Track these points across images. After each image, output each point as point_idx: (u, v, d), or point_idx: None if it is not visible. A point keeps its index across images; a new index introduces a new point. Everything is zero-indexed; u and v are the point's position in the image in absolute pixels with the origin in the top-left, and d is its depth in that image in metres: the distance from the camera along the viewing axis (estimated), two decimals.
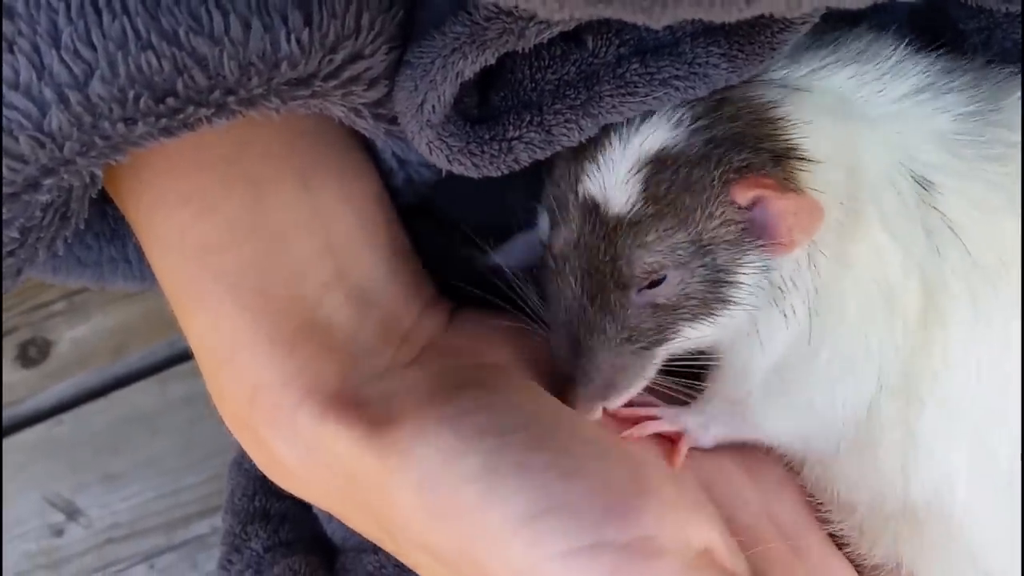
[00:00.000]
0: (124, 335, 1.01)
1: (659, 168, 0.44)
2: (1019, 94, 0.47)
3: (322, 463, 0.46)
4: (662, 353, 0.48)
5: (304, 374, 0.46)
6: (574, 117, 0.45)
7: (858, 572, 0.50)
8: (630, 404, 0.49)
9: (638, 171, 0.44)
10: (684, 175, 0.44)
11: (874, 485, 0.48)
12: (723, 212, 0.45)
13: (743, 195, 0.44)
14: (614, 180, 0.45)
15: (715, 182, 0.44)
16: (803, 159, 0.45)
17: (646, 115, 0.45)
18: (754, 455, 0.50)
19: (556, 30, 0.43)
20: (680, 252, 0.45)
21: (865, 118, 0.46)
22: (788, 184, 0.44)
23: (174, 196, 0.47)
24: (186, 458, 0.96)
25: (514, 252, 0.55)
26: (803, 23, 0.43)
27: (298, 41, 0.42)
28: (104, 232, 0.52)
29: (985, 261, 0.45)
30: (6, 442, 0.99)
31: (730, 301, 0.46)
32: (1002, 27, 0.49)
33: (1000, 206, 0.46)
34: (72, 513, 0.97)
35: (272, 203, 0.47)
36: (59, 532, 0.97)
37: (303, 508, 0.61)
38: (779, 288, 0.46)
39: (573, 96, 0.45)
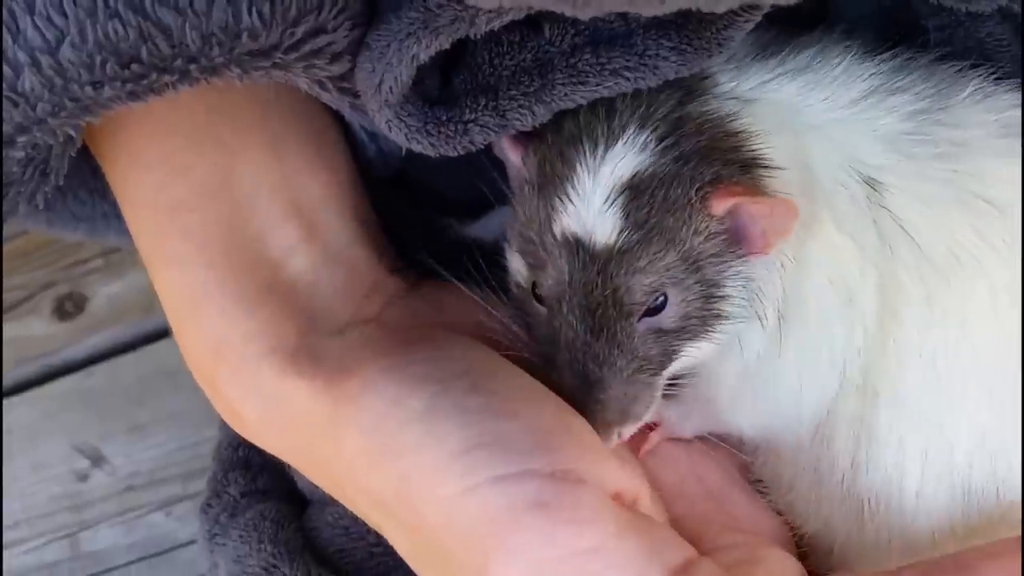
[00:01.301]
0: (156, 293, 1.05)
1: (636, 193, 0.45)
2: (968, 91, 0.48)
3: (281, 416, 0.48)
4: (666, 375, 0.48)
5: (266, 330, 0.49)
6: (527, 103, 0.46)
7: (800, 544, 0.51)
8: None
9: (615, 199, 0.45)
10: (662, 196, 0.45)
11: (822, 471, 0.49)
12: (706, 226, 0.45)
13: (719, 206, 0.45)
14: (592, 212, 0.45)
15: (693, 198, 0.45)
16: (767, 167, 0.46)
17: (610, 143, 0.45)
18: None
19: (507, 18, 0.44)
20: (674, 271, 0.45)
21: (813, 125, 0.47)
22: (758, 190, 0.45)
23: (148, 158, 0.50)
24: (206, 413, 0.98)
25: (490, 225, 0.57)
26: (746, 21, 0.44)
27: (259, 14, 0.44)
28: (97, 189, 0.56)
29: (937, 256, 0.46)
30: (39, 391, 1.04)
31: (723, 315, 0.47)
32: (964, 26, 0.50)
33: (949, 202, 0.46)
34: (97, 460, 1.01)
35: (242, 167, 0.50)
36: (84, 477, 1.01)
37: (281, 460, 0.64)
38: (755, 295, 0.47)
39: (527, 83, 0.46)
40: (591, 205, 0.45)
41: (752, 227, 0.45)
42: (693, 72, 0.46)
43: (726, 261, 0.46)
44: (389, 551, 0.49)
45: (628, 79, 0.45)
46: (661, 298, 0.46)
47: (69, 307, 1.07)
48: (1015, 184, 0.47)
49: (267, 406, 0.48)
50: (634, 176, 0.45)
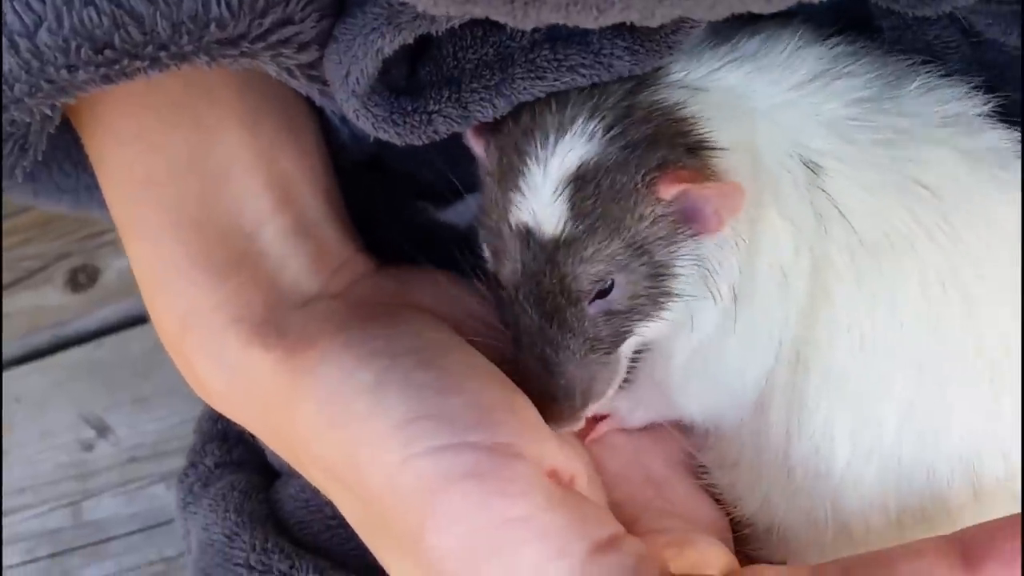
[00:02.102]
0: None
1: (582, 183, 0.46)
2: (915, 84, 0.49)
3: (244, 386, 0.50)
4: (625, 353, 0.50)
5: (234, 301, 0.50)
6: (488, 96, 0.48)
7: (733, 530, 0.52)
8: None
9: (562, 191, 0.46)
10: (607, 185, 0.46)
11: (760, 444, 0.50)
12: (652, 211, 0.47)
13: (667, 191, 0.46)
14: (541, 204, 0.47)
15: (639, 185, 0.46)
16: (714, 149, 0.47)
17: (560, 134, 0.47)
18: None
19: (467, 17, 0.45)
20: (620, 257, 0.47)
21: (760, 110, 0.48)
22: (705, 173, 0.46)
23: (125, 133, 0.51)
24: None
25: (463, 211, 0.58)
26: (692, 27, 0.46)
27: (228, 4, 0.46)
28: (81, 161, 0.57)
29: (870, 239, 0.47)
30: (50, 360, 1.06)
31: (673, 293, 0.48)
32: (912, 29, 0.51)
33: (886, 187, 0.48)
34: (103, 430, 1.03)
35: (217, 143, 0.52)
36: (89, 447, 1.03)
37: None
38: (708, 272, 0.48)
39: (489, 76, 0.47)
40: (540, 197, 0.47)
41: (703, 207, 0.46)
42: (646, 70, 0.47)
43: (676, 242, 0.47)
44: (345, 523, 0.51)
45: (584, 75, 0.46)
46: (609, 283, 0.47)
47: (82, 279, 1.08)
48: (952, 170, 0.48)
49: (231, 376, 0.50)
50: (580, 166, 0.46)
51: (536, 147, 0.47)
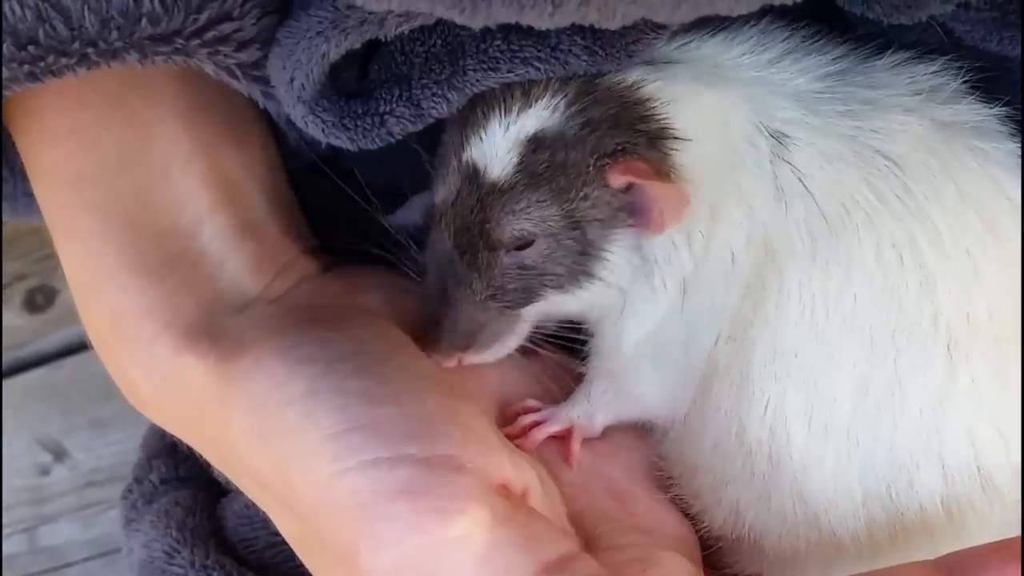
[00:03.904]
0: None
1: (538, 147, 0.46)
2: (886, 59, 0.49)
3: (175, 393, 0.48)
4: (529, 317, 0.49)
5: (165, 306, 0.48)
6: (440, 91, 0.46)
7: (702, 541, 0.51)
8: (513, 415, 0.51)
9: (517, 147, 0.46)
10: (561, 157, 0.46)
11: (714, 434, 0.49)
12: (597, 194, 0.46)
13: (617, 179, 0.46)
14: (494, 151, 0.47)
15: (590, 166, 0.46)
16: (677, 138, 0.46)
17: (527, 101, 0.46)
18: None
19: (416, 22, 0.44)
20: (552, 224, 0.47)
21: (733, 81, 0.48)
22: (662, 167, 0.46)
23: (57, 130, 0.49)
24: None
25: (411, 212, 0.57)
26: (654, 37, 0.45)
27: None
28: (16, 166, 0.55)
29: (829, 211, 0.46)
30: (6, 383, 1.04)
31: (595, 275, 0.48)
32: (887, 35, 0.50)
33: (848, 157, 0.47)
34: (59, 454, 1.01)
35: (154, 140, 0.49)
36: (45, 472, 1.01)
37: None
38: (652, 263, 0.47)
39: (439, 70, 0.46)
40: (495, 145, 0.47)
41: (649, 205, 0.46)
42: (601, 72, 0.46)
43: (614, 228, 0.47)
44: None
45: (539, 68, 0.45)
46: (530, 240, 0.47)
47: (39, 300, 1.07)
48: (920, 140, 0.47)
49: (162, 382, 0.48)
50: (540, 131, 0.46)
51: (503, 105, 0.47)
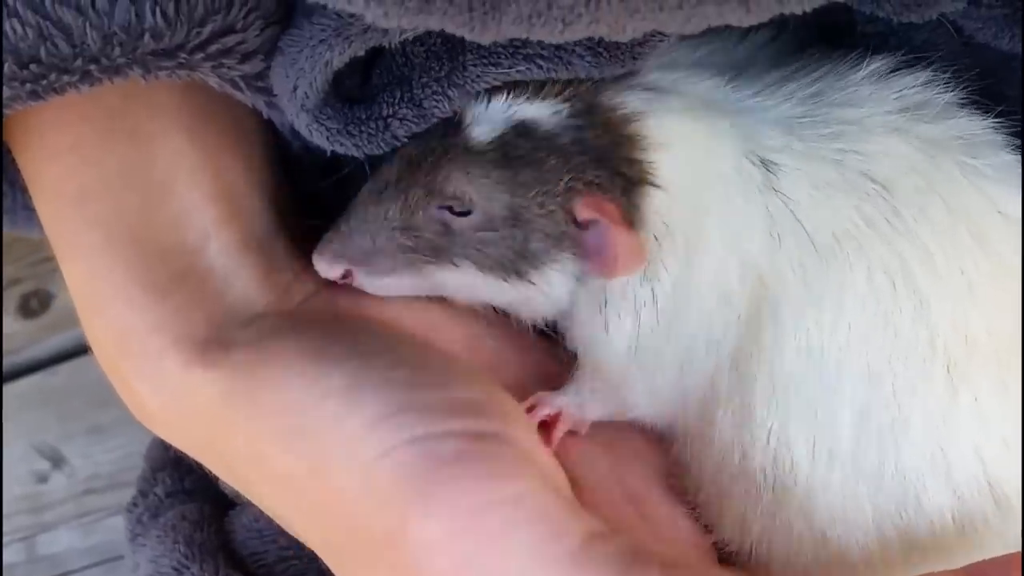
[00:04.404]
0: None
1: (527, 135, 0.46)
2: (864, 72, 0.48)
3: (186, 408, 0.47)
4: (431, 278, 0.49)
5: (174, 321, 0.47)
6: (440, 89, 0.46)
7: (720, 555, 0.50)
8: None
9: (509, 123, 0.46)
10: (540, 156, 0.46)
11: (717, 460, 0.49)
12: (554, 210, 0.46)
13: (585, 211, 0.46)
14: (487, 116, 0.47)
15: (562, 182, 0.46)
16: (654, 186, 0.46)
17: (536, 95, 0.47)
18: (615, 426, 0.51)
19: (421, 29, 0.43)
20: (497, 209, 0.47)
21: (725, 112, 0.48)
22: (630, 213, 0.46)
23: (58, 145, 0.48)
24: None
25: None
26: (660, 40, 0.44)
27: (163, 13, 0.43)
28: (18, 180, 0.54)
29: (820, 241, 0.46)
30: (2, 389, 1.03)
31: (523, 279, 0.48)
32: (896, 35, 0.50)
33: (835, 182, 0.46)
34: (57, 461, 1.00)
35: (158, 154, 0.48)
36: (43, 479, 1.00)
37: None
38: (605, 298, 0.48)
39: (438, 68, 0.46)
40: (491, 112, 0.47)
41: (608, 247, 0.46)
42: (605, 76, 0.46)
43: (559, 250, 0.47)
44: (299, 555, 0.50)
45: (541, 67, 0.45)
46: (467, 210, 0.47)
47: (34, 304, 1.05)
48: (907, 161, 0.47)
49: (172, 398, 0.47)
50: (534, 122, 0.46)
51: (513, 89, 0.47)
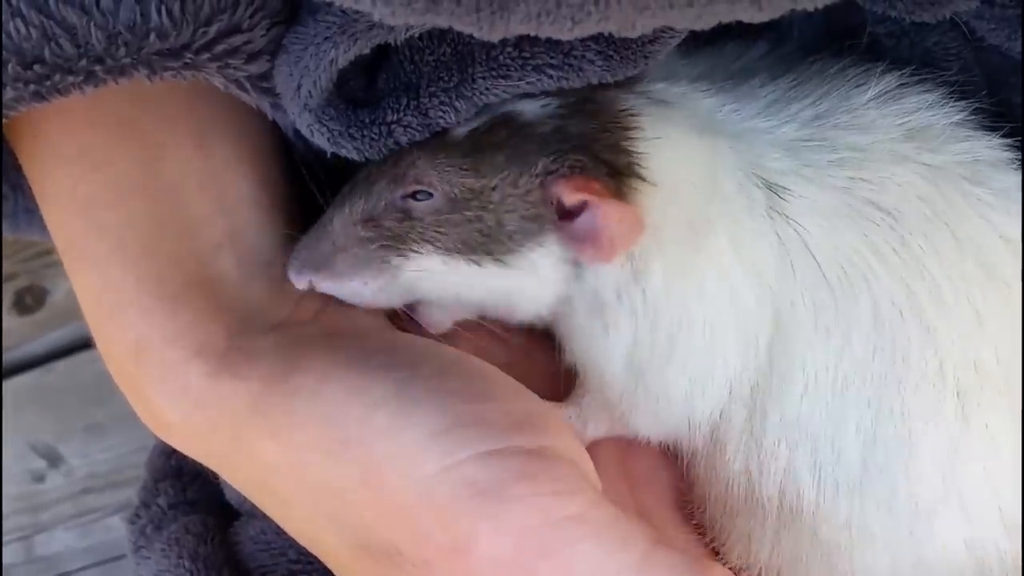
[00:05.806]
0: None
1: (505, 125, 0.46)
2: (870, 94, 0.48)
3: (209, 419, 0.46)
4: (398, 277, 0.47)
5: (192, 331, 0.46)
6: (448, 99, 0.45)
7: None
8: None
9: (492, 120, 0.46)
10: (516, 141, 0.45)
11: (723, 482, 0.49)
12: (529, 190, 0.45)
13: (571, 196, 0.45)
14: (473, 117, 0.46)
15: (539, 164, 0.45)
16: (640, 179, 0.45)
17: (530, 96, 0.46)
18: (632, 444, 0.51)
19: (427, 27, 0.43)
20: (455, 188, 0.46)
21: (725, 133, 0.47)
22: (619, 192, 0.45)
23: (67, 152, 0.47)
24: None
25: None
26: (671, 37, 0.44)
27: (169, 12, 0.43)
28: (20, 183, 0.53)
29: (831, 273, 0.46)
30: None
31: (501, 262, 0.46)
32: (909, 35, 0.49)
33: (843, 213, 0.46)
34: (54, 460, 0.99)
35: (166, 162, 0.48)
36: (40, 478, 0.99)
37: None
38: (602, 302, 0.47)
39: (447, 78, 0.45)
40: (479, 113, 0.46)
41: (599, 228, 0.44)
42: (618, 78, 0.45)
43: (540, 232, 0.46)
44: (309, 568, 0.49)
45: (552, 76, 0.44)
46: (428, 193, 0.46)
47: (29, 300, 1.04)
48: (913, 190, 0.46)
49: (195, 409, 0.46)
50: (518, 114, 0.46)
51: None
